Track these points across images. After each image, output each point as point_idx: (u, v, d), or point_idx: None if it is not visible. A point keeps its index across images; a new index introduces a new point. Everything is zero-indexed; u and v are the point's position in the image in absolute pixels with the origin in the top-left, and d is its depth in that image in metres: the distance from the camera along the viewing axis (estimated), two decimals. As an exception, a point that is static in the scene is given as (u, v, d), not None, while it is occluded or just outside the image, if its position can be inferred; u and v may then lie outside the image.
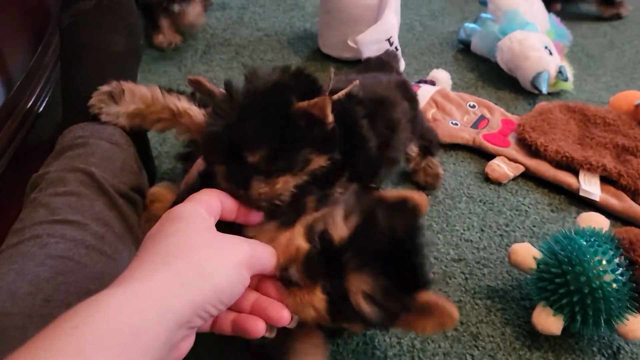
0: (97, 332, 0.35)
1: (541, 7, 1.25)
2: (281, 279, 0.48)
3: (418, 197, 0.51)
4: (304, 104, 0.50)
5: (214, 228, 0.49)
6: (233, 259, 0.45)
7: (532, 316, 0.66)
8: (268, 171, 0.51)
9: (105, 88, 0.73)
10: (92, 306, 0.36)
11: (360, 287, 0.46)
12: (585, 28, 1.43)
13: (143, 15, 1.15)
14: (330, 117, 0.52)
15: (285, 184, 0.52)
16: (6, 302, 0.55)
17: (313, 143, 0.53)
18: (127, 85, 0.73)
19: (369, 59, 0.97)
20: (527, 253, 0.69)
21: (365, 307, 0.47)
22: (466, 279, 0.76)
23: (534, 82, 1.10)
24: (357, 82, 0.57)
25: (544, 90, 1.09)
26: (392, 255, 0.47)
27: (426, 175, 0.89)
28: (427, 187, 0.90)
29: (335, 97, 0.54)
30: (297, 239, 0.49)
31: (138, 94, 0.72)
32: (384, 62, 0.93)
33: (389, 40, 1.14)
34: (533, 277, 0.68)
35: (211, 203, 0.51)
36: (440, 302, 0.48)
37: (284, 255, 0.49)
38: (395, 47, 1.16)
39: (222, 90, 0.54)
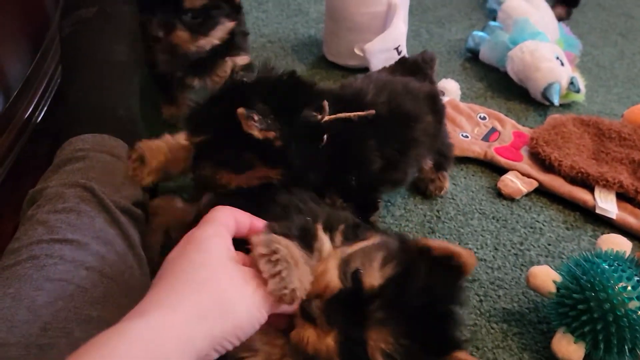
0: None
1: (551, 16, 1.23)
2: (301, 308, 0.46)
3: (466, 255, 0.47)
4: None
5: (233, 253, 0.48)
6: (256, 297, 0.44)
7: (551, 342, 0.64)
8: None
9: (134, 155, 0.72)
10: (116, 337, 0.37)
11: (379, 343, 0.43)
12: (595, 37, 1.40)
13: (155, 83, 1.00)
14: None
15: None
16: (1, 331, 0.52)
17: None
18: (145, 145, 0.72)
19: (405, 59, 0.94)
20: (546, 277, 0.66)
21: None
22: (481, 301, 0.73)
23: (545, 94, 1.08)
24: (372, 112, 0.56)
25: (556, 102, 1.07)
26: (423, 316, 0.44)
27: (434, 187, 0.88)
28: (429, 196, 0.89)
29: (331, 118, 0.59)
30: (331, 273, 0.47)
31: (155, 148, 0.72)
32: (419, 67, 0.89)
33: (397, 48, 1.12)
34: (553, 301, 0.66)
35: (228, 223, 0.50)
36: None
37: (312, 286, 0.46)
38: (404, 56, 1.14)
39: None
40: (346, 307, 0.45)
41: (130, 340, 0.37)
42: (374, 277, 0.45)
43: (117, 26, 0.89)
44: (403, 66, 0.90)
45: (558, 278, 0.66)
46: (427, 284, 0.46)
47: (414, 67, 0.90)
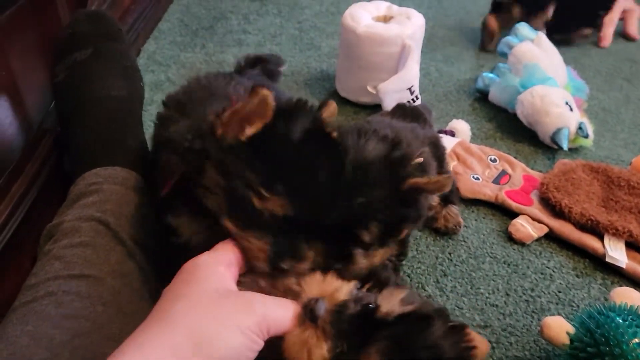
0: None
1: (560, 61, 1.25)
2: (304, 307, 0.45)
3: (480, 341, 0.48)
4: (423, 180, 0.51)
5: (229, 284, 0.47)
6: (240, 323, 0.42)
7: (565, 396, 0.64)
8: (369, 245, 0.50)
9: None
10: None
11: None
12: (600, 81, 1.43)
13: None
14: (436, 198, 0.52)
15: (383, 256, 0.52)
16: None
17: (413, 218, 0.52)
18: None
19: (403, 106, 0.96)
20: (560, 328, 0.66)
21: None
22: (493, 347, 0.73)
23: (554, 138, 1.10)
24: (421, 159, 0.58)
25: (565, 146, 1.08)
26: None
27: (446, 222, 0.89)
28: (447, 233, 0.90)
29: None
30: (342, 287, 0.47)
31: None
32: (419, 114, 0.91)
33: (410, 89, 1.14)
34: (566, 353, 0.66)
35: (229, 255, 0.49)
36: None
37: (319, 288, 0.46)
38: (416, 96, 1.16)
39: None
40: (353, 321, 0.44)
41: None
42: (392, 306, 0.45)
43: (112, 64, 0.91)
44: (404, 112, 0.93)
45: (572, 330, 0.66)
46: (439, 343, 0.46)
47: (414, 113, 0.93)
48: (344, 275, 0.48)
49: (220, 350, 0.41)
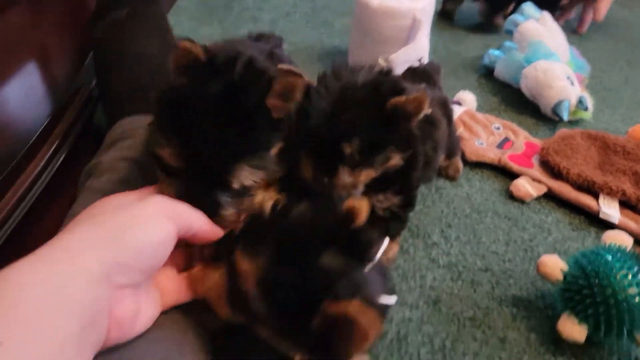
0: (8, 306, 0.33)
1: (563, 40, 1.31)
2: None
3: (358, 204, 0.45)
4: (402, 99, 0.54)
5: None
6: (149, 209, 0.44)
7: (557, 324, 0.70)
8: (355, 164, 0.55)
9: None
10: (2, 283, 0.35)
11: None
12: (602, 63, 1.49)
13: None
14: (421, 115, 0.56)
15: (367, 177, 0.57)
16: None
17: (397, 141, 0.57)
18: None
19: (414, 68, 1.00)
20: (555, 265, 0.73)
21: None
22: (493, 287, 0.80)
23: (555, 110, 1.16)
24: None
25: (565, 118, 1.15)
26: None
27: (452, 171, 1.00)
28: (449, 180, 1.00)
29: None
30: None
31: None
32: (429, 75, 0.97)
33: (420, 60, 1.20)
34: (559, 287, 0.73)
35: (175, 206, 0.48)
36: (360, 319, 0.41)
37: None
38: (412, 65, 1.22)
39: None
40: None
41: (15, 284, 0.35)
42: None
43: (147, 25, 0.98)
44: (413, 74, 0.98)
45: (565, 267, 0.73)
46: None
47: (424, 75, 0.98)
48: (330, 189, 0.55)
49: (135, 236, 0.42)
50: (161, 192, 0.52)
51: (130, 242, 0.42)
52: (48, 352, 0.33)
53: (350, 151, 0.54)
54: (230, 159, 0.49)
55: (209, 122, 0.48)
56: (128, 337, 0.45)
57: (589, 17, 1.62)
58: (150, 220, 0.44)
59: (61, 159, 0.86)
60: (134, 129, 0.82)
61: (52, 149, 0.85)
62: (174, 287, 0.52)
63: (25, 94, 0.85)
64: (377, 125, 0.55)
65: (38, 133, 0.84)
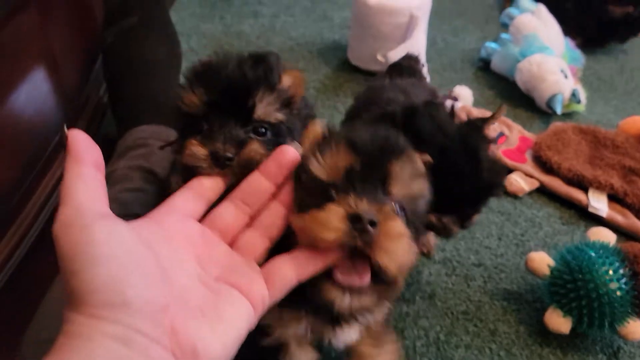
0: None
1: (558, 31, 1.33)
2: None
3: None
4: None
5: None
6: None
7: (544, 317, 0.75)
8: None
9: None
10: None
11: None
12: (598, 52, 1.51)
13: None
14: None
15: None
16: None
17: None
18: None
19: (397, 64, 1.00)
20: (542, 261, 0.78)
21: None
22: (485, 282, 0.85)
23: (549, 103, 1.19)
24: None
25: (559, 111, 1.18)
26: None
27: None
28: None
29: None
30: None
31: None
32: (414, 69, 0.98)
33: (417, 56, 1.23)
34: (546, 282, 0.77)
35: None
36: None
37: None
38: (422, 64, 1.25)
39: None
40: None
41: None
42: None
43: (157, 32, 1.01)
44: (400, 70, 0.97)
45: (552, 262, 0.77)
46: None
47: (409, 70, 0.97)
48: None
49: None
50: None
51: None
52: None
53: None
54: (251, 85, 0.53)
55: (238, 64, 0.53)
56: None
57: None
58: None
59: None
60: (146, 138, 0.85)
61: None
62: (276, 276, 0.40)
63: (38, 102, 0.89)
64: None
65: (54, 143, 0.88)
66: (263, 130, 0.54)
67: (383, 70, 1.29)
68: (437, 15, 1.60)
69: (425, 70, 1.24)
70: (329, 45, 1.48)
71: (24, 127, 0.84)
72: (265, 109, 0.54)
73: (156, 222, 0.41)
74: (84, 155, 0.36)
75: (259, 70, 0.54)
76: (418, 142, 0.56)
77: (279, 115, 0.55)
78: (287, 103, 0.58)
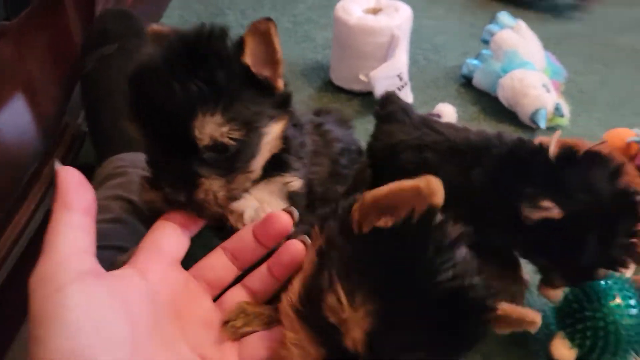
0: None
1: (539, 47, 1.34)
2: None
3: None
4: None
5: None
6: None
7: (550, 344, 0.73)
8: None
9: None
10: None
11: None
12: (578, 65, 1.52)
13: None
14: None
15: None
16: None
17: None
18: None
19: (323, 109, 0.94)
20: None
21: None
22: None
23: (532, 118, 1.19)
24: None
25: (543, 125, 1.18)
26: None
27: None
28: None
29: None
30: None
31: None
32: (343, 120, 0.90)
33: (399, 75, 1.23)
34: (555, 308, 0.76)
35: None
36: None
37: None
38: (405, 82, 1.25)
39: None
40: None
41: None
42: None
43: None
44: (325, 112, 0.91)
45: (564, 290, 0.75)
46: None
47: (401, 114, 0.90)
48: None
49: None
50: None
51: None
52: None
53: None
54: (191, 109, 0.44)
55: (166, 80, 0.45)
56: None
57: None
58: None
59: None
60: (125, 166, 0.83)
61: (44, 188, 0.86)
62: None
63: (17, 130, 0.86)
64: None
65: (31, 172, 0.85)
66: (214, 156, 0.47)
67: (365, 89, 1.29)
68: (418, 33, 1.61)
69: (408, 89, 1.24)
70: (312, 65, 1.47)
71: (7, 154, 0.81)
72: (212, 131, 0.45)
73: (140, 272, 0.39)
74: (73, 199, 0.35)
75: (195, 81, 0.45)
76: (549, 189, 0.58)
77: (233, 133, 0.47)
78: (280, 102, 0.53)
